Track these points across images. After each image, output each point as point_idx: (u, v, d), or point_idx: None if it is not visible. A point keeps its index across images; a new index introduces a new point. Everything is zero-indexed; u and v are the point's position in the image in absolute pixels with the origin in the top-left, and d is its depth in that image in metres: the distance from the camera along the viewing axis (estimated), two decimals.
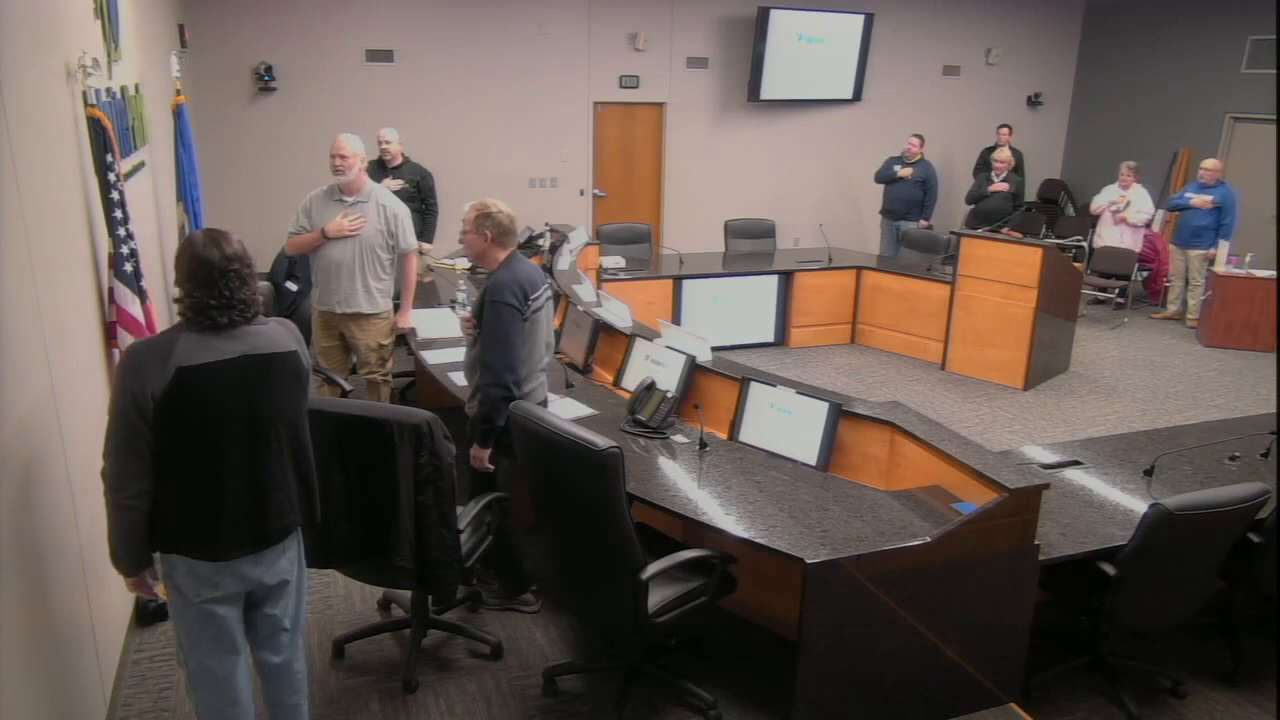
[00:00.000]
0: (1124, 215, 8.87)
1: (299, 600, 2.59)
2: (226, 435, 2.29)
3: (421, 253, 6.71)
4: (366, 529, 2.97)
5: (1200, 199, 8.38)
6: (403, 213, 4.78)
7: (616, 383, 4.41)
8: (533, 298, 3.36)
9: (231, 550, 2.35)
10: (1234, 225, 8.34)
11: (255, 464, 2.35)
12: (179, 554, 2.33)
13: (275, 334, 2.40)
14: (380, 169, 6.39)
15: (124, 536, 2.29)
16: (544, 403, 3.56)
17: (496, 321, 3.30)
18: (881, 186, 9.08)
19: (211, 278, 2.26)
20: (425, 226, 6.78)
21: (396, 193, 6.42)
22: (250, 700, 2.56)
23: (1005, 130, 9.57)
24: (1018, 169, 9.29)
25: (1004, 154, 8.83)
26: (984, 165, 9.68)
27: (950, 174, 10.25)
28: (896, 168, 8.82)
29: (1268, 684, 3.44)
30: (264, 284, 4.70)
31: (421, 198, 6.71)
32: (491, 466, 3.47)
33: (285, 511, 2.43)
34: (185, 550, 2.33)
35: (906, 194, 8.83)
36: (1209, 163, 8.50)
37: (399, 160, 6.58)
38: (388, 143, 6.53)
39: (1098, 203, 9.17)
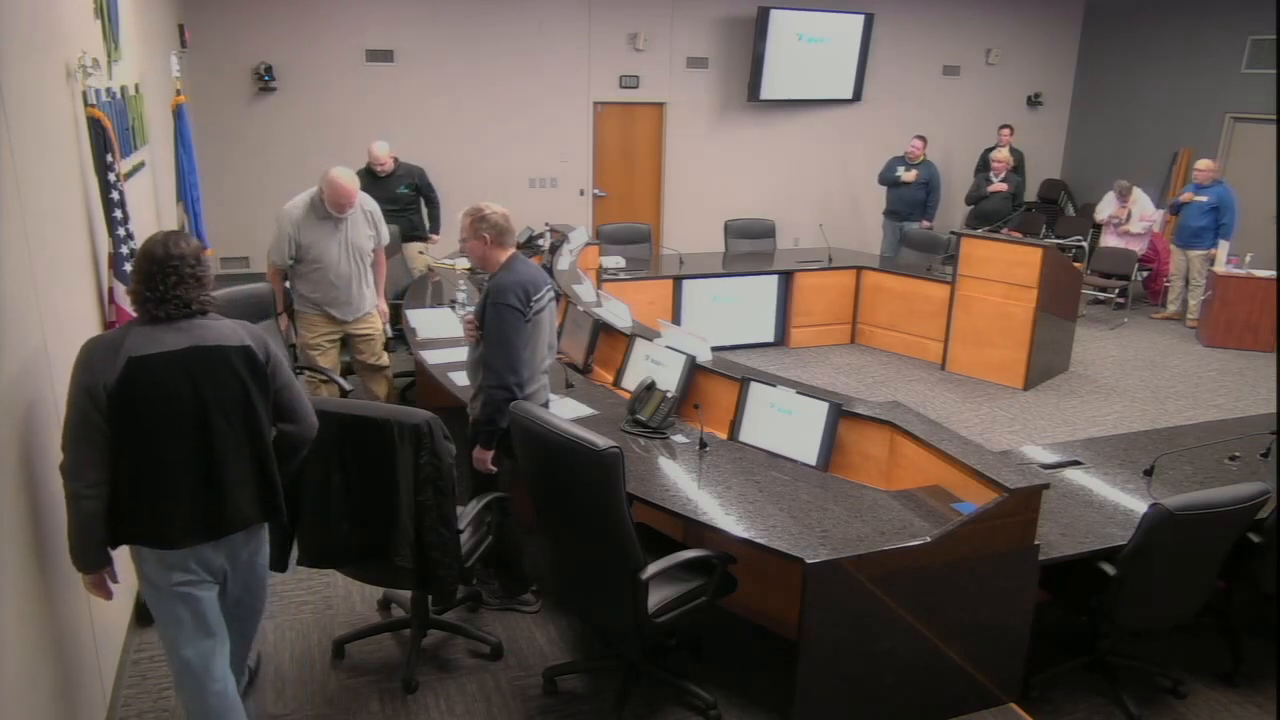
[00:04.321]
0: (1126, 228, 8.93)
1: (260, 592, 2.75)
2: (174, 425, 2.36)
3: (430, 244, 6.78)
4: (367, 529, 2.97)
5: (1188, 196, 8.43)
6: (377, 208, 4.89)
7: (616, 383, 4.41)
8: (535, 299, 3.36)
9: (186, 538, 2.41)
10: (1233, 225, 8.35)
11: (208, 455, 2.40)
12: (138, 544, 2.41)
13: (226, 329, 2.46)
14: (370, 177, 6.36)
15: (80, 528, 2.33)
16: (546, 404, 3.56)
17: (499, 323, 3.29)
18: (883, 187, 9.07)
19: (151, 272, 2.35)
20: (431, 217, 6.80)
21: (398, 196, 6.47)
22: (234, 691, 2.59)
23: (1006, 131, 9.57)
24: (1018, 169, 9.30)
25: (1002, 154, 8.83)
26: (984, 166, 9.68)
27: (950, 174, 10.25)
28: (900, 169, 8.79)
29: (1268, 684, 3.44)
30: (263, 285, 4.70)
31: (421, 194, 6.72)
32: (494, 468, 3.47)
33: (242, 506, 2.48)
34: (142, 539, 2.41)
35: (910, 195, 8.81)
36: (1203, 163, 8.53)
37: (390, 166, 6.54)
38: (379, 157, 6.47)
39: (1101, 212, 9.21)
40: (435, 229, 6.85)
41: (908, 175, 8.71)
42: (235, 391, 2.44)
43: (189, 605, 2.46)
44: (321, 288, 4.71)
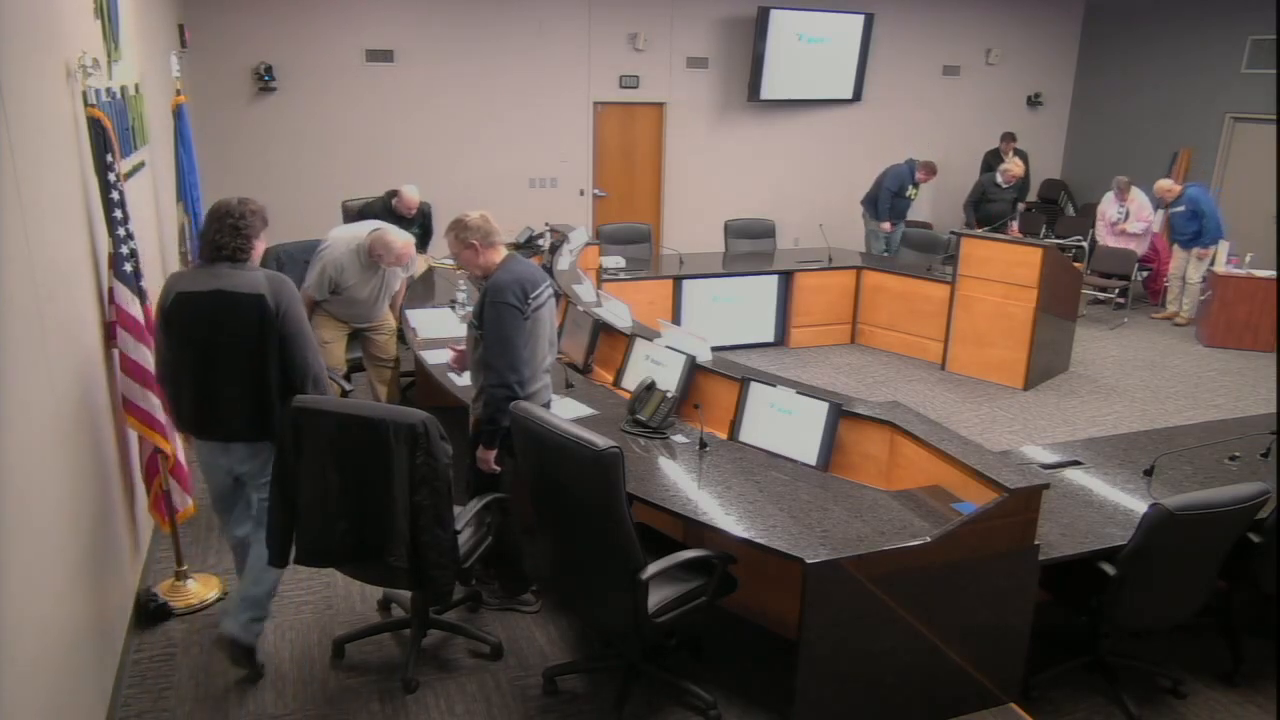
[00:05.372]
0: (1123, 227, 8.94)
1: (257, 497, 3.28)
2: (190, 349, 3.05)
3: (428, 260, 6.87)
4: (362, 529, 2.96)
5: (1164, 216, 8.61)
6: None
7: (616, 383, 4.41)
8: (533, 296, 3.36)
9: (191, 433, 3.23)
10: (1216, 224, 8.32)
11: (209, 376, 3.06)
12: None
13: (252, 279, 3.01)
14: (391, 215, 6.33)
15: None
16: (548, 404, 3.56)
17: (498, 322, 3.29)
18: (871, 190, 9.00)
19: (210, 220, 3.05)
20: (423, 245, 6.85)
21: (411, 234, 6.55)
22: (252, 546, 3.27)
23: (1010, 142, 9.58)
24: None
25: (1019, 168, 8.79)
26: (986, 168, 9.67)
27: (950, 174, 10.25)
28: (910, 189, 8.69)
29: (1268, 684, 3.44)
30: None
31: (425, 229, 6.75)
32: (498, 468, 3.47)
33: (231, 421, 3.11)
34: (178, 426, 3.31)
35: (906, 203, 8.84)
36: (1160, 184, 8.54)
37: (415, 210, 6.53)
38: (412, 201, 6.48)
39: (1101, 210, 9.22)
40: (423, 250, 6.93)
41: (914, 193, 8.76)
42: (242, 331, 2.99)
43: (207, 478, 3.31)
44: (345, 314, 4.99)
